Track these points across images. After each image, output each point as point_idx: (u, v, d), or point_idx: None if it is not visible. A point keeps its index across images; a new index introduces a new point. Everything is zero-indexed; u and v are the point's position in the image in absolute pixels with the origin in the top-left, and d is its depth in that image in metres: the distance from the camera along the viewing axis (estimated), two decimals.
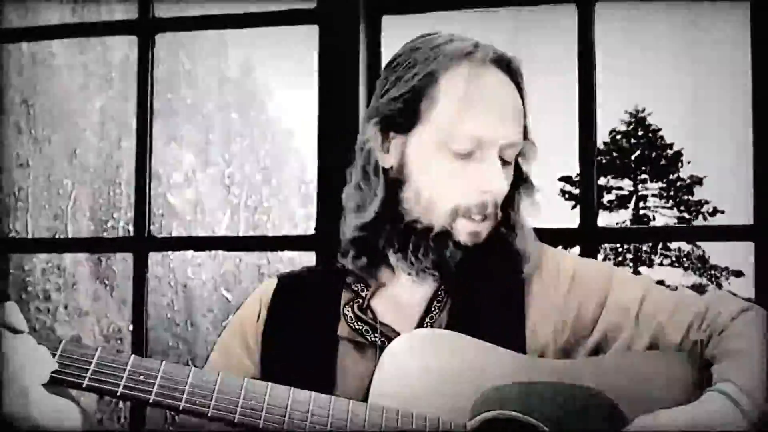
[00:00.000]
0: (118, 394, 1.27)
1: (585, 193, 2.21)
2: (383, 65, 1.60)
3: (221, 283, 4.35)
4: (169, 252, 3.99)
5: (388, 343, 1.42)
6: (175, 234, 4.06)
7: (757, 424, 1.34)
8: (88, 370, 1.27)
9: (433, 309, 1.52)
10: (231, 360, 1.56)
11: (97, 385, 1.27)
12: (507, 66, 1.51)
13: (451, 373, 1.39)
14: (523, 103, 1.53)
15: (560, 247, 1.70)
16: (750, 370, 1.38)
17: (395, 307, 1.54)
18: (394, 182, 1.50)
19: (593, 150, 2.20)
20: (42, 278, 3.26)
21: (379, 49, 2.31)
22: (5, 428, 1.21)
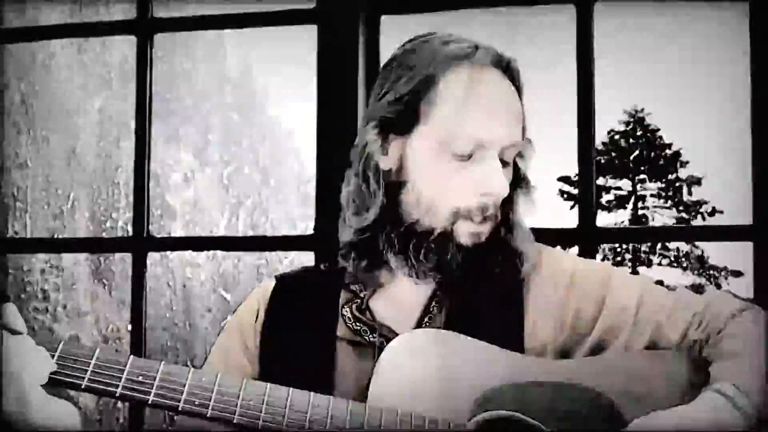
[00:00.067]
0: (117, 394, 1.27)
1: (584, 193, 2.21)
2: (381, 66, 1.60)
3: (220, 283, 4.35)
4: (168, 252, 3.99)
5: (387, 343, 1.42)
6: (173, 234, 4.06)
7: (755, 424, 1.35)
8: (86, 371, 1.27)
9: (431, 309, 1.52)
10: (229, 360, 1.56)
11: (95, 386, 1.27)
12: (506, 67, 1.51)
13: (450, 374, 1.39)
14: (521, 104, 1.54)
15: (559, 247, 1.70)
16: (748, 370, 1.38)
17: (394, 307, 1.54)
18: (394, 184, 1.50)
19: (592, 150, 2.20)
20: (41, 278, 3.26)
21: (378, 49, 2.31)
22: (4, 429, 1.21)
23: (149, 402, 1.28)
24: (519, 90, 1.54)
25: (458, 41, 1.51)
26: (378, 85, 1.56)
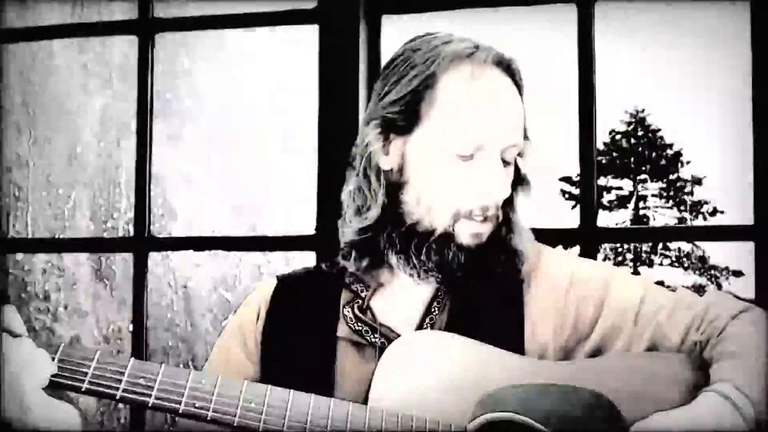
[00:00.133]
0: (118, 397, 1.27)
1: (585, 193, 2.21)
2: (383, 66, 1.60)
3: (221, 283, 4.35)
4: (169, 252, 3.98)
5: (388, 343, 1.42)
6: (174, 234, 4.06)
7: (755, 425, 1.34)
8: (87, 373, 1.27)
9: (432, 310, 1.52)
10: (230, 360, 1.56)
11: (96, 388, 1.27)
12: (507, 67, 1.51)
13: (451, 375, 1.39)
14: (522, 104, 1.53)
15: (560, 247, 1.70)
16: (748, 371, 1.38)
17: (395, 307, 1.54)
18: (395, 184, 1.50)
19: (593, 150, 2.20)
20: (42, 278, 3.26)
21: (378, 49, 2.31)
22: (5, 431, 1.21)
23: (150, 405, 1.28)
24: (520, 90, 1.54)
25: (459, 41, 1.51)
26: (379, 85, 1.56)
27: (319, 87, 2.32)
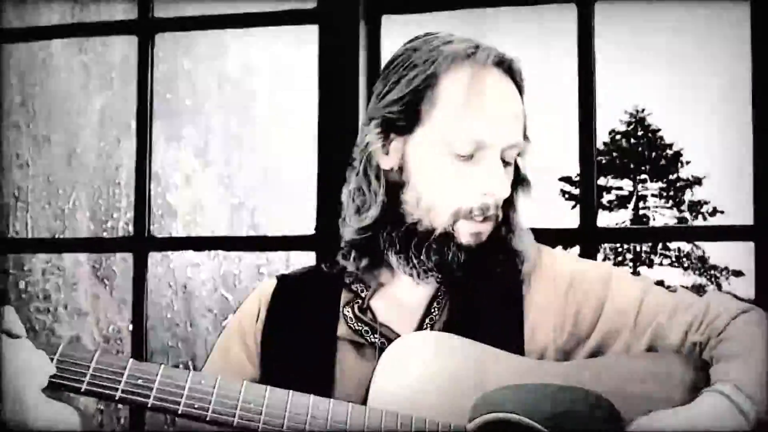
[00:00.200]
0: (117, 398, 1.27)
1: (585, 193, 2.21)
2: (383, 66, 1.60)
3: (221, 283, 4.35)
4: (169, 252, 3.98)
5: (388, 343, 1.42)
6: (174, 234, 4.06)
7: (756, 425, 1.34)
8: (86, 374, 1.27)
9: (432, 310, 1.52)
10: (230, 360, 1.56)
11: (95, 389, 1.27)
12: (507, 67, 1.51)
13: (451, 375, 1.39)
14: (523, 104, 1.53)
15: (560, 247, 1.70)
16: (749, 371, 1.38)
17: (395, 307, 1.54)
18: (395, 184, 1.50)
19: (593, 150, 2.20)
20: (42, 278, 3.26)
21: (378, 49, 2.31)
22: None
23: (149, 405, 1.28)
24: (520, 90, 1.54)
25: (460, 41, 1.51)
26: (379, 84, 1.56)
27: (319, 87, 2.32)
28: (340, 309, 1.55)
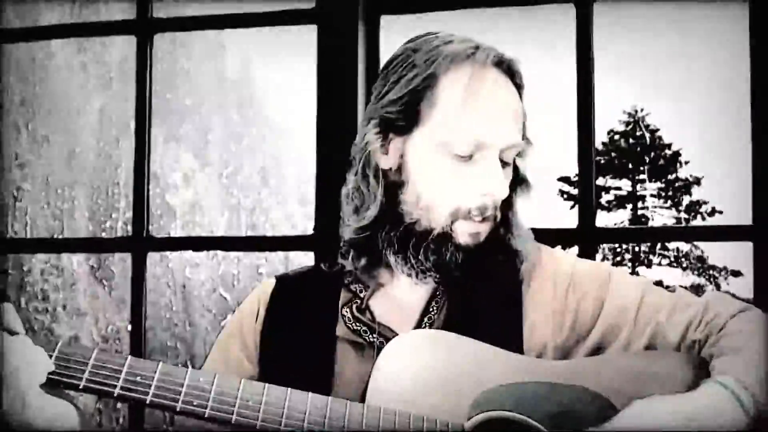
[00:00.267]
0: (115, 395, 1.27)
1: (583, 193, 2.21)
2: (382, 66, 1.60)
3: (220, 283, 4.35)
4: (168, 252, 3.99)
5: (387, 343, 1.42)
6: (173, 234, 4.06)
7: (755, 417, 1.35)
8: (84, 371, 1.27)
9: (431, 309, 1.52)
10: (229, 360, 1.57)
11: (94, 386, 1.27)
12: (507, 67, 1.51)
13: (449, 374, 1.39)
14: (522, 104, 1.54)
15: (559, 247, 1.70)
16: (748, 366, 1.38)
17: (393, 307, 1.54)
18: (394, 184, 1.50)
19: (592, 150, 2.20)
20: (41, 278, 3.26)
21: (378, 49, 2.31)
22: (3, 429, 1.21)
23: (147, 402, 1.28)
24: (520, 90, 1.54)
25: (459, 41, 1.51)
26: (379, 84, 1.56)
27: (317, 87, 2.32)
28: (339, 309, 1.55)
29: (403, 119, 1.49)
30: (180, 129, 4.04)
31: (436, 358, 1.39)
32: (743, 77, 2.15)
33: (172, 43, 3.92)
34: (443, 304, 1.52)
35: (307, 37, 2.38)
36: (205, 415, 1.29)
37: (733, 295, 1.58)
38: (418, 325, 1.51)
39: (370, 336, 1.50)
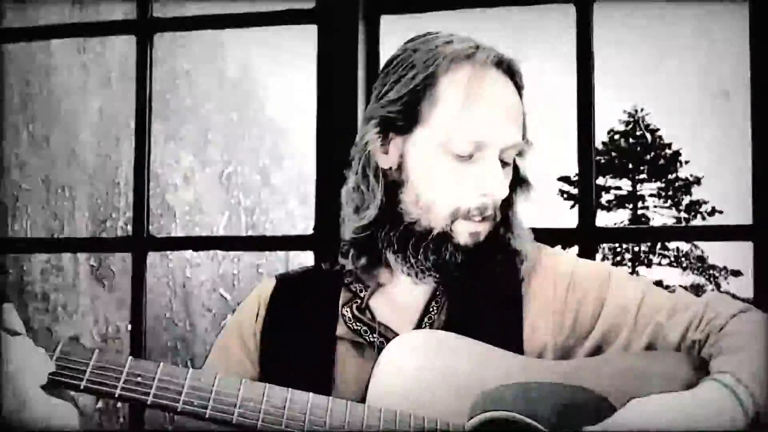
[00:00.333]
0: (116, 395, 1.27)
1: (583, 192, 2.21)
2: (382, 65, 1.60)
3: (220, 283, 4.35)
4: (168, 252, 3.98)
5: (387, 343, 1.42)
6: (173, 234, 4.06)
7: (754, 416, 1.35)
8: (85, 371, 1.27)
9: (431, 309, 1.52)
10: (230, 360, 1.57)
11: (94, 386, 1.27)
12: (507, 68, 1.51)
13: (449, 374, 1.39)
14: (522, 104, 1.54)
15: (559, 247, 1.70)
16: (748, 365, 1.38)
17: (394, 307, 1.54)
18: (393, 183, 1.50)
19: (592, 150, 2.20)
20: (41, 278, 3.26)
21: (377, 49, 2.31)
22: (4, 430, 1.21)
23: (148, 403, 1.28)
24: (520, 90, 1.54)
25: (460, 41, 1.51)
26: (379, 84, 1.56)
27: (317, 87, 2.32)
28: (339, 309, 1.55)
29: (403, 119, 1.49)
30: (180, 129, 4.04)
31: (437, 358, 1.40)
32: (744, 77, 2.15)
33: (172, 43, 3.92)
34: (443, 304, 1.52)
35: (307, 37, 2.38)
36: (206, 416, 1.29)
37: (733, 295, 1.58)
38: (419, 325, 1.51)
39: (371, 336, 1.50)
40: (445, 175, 1.47)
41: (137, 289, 2.44)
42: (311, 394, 1.33)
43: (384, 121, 1.50)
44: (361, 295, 1.55)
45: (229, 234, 4.48)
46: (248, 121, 4.66)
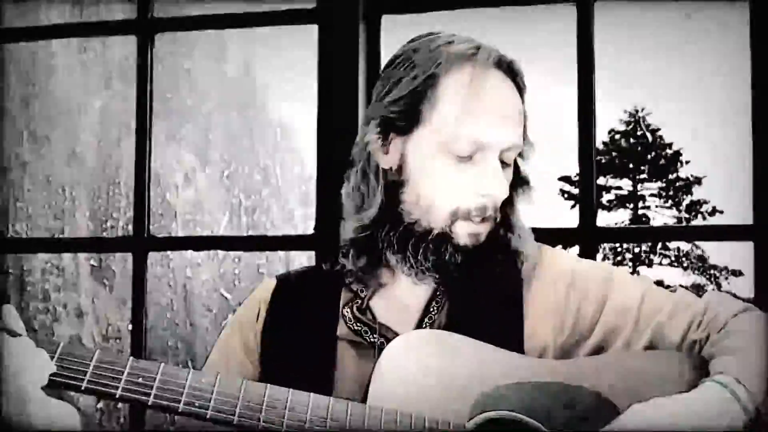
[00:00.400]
0: (117, 396, 1.27)
1: (584, 192, 2.21)
2: (383, 65, 1.60)
3: (220, 283, 4.35)
4: (169, 252, 3.99)
5: (387, 343, 1.42)
6: (174, 234, 4.06)
7: (754, 417, 1.35)
8: (86, 372, 1.27)
9: (431, 309, 1.52)
10: (230, 360, 1.57)
11: (95, 387, 1.27)
12: (508, 68, 1.51)
13: (450, 374, 1.39)
14: (523, 105, 1.54)
15: (559, 247, 1.70)
16: (748, 365, 1.38)
17: (394, 307, 1.54)
18: (394, 183, 1.50)
19: (592, 150, 2.20)
20: (41, 278, 3.26)
21: (378, 49, 2.31)
22: (4, 430, 1.21)
23: (149, 403, 1.28)
24: (521, 91, 1.54)
25: (461, 42, 1.51)
26: (380, 84, 1.56)
27: (318, 86, 2.32)
28: (340, 309, 1.55)
29: (404, 119, 1.49)
30: (181, 129, 4.05)
31: (437, 358, 1.39)
32: (744, 77, 2.15)
33: (173, 42, 3.92)
34: (444, 304, 1.52)
35: (307, 36, 2.38)
36: (207, 417, 1.29)
37: (734, 295, 1.58)
38: (419, 325, 1.51)
39: (371, 336, 1.50)
40: (445, 175, 1.47)
41: (138, 289, 2.44)
42: (312, 394, 1.33)
43: (385, 121, 1.50)
44: (362, 295, 1.55)
45: (229, 234, 4.48)
46: (249, 120, 4.67)
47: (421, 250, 1.47)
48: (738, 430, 1.34)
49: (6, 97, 3.14)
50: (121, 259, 3.63)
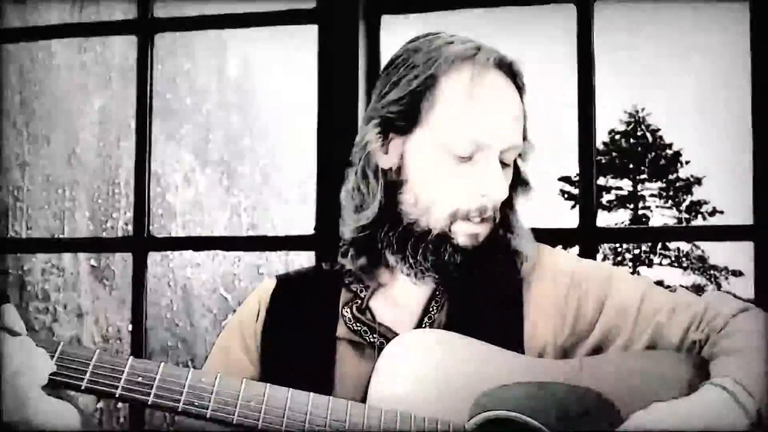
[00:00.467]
0: (117, 395, 1.27)
1: (584, 192, 2.21)
2: (383, 65, 1.60)
3: (220, 283, 4.35)
4: (169, 252, 3.99)
5: (387, 343, 1.42)
6: (174, 234, 4.06)
7: (755, 419, 1.35)
8: (86, 372, 1.27)
9: (431, 309, 1.52)
10: (230, 360, 1.56)
11: (95, 387, 1.27)
12: (508, 69, 1.51)
13: (450, 374, 1.39)
14: (523, 105, 1.53)
15: (559, 247, 1.70)
16: (748, 366, 1.38)
17: (394, 307, 1.54)
18: (393, 184, 1.50)
19: (592, 150, 2.20)
20: (41, 278, 3.26)
21: (378, 49, 2.31)
22: (4, 430, 1.21)
23: (149, 403, 1.28)
24: (521, 91, 1.54)
25: (461, 42, 1.51)
26: (380, 84, 1.56)
27: (318, 86, 2.32)
28: (340, 309, 1.55)
29: (404, 119, 1.49)
30: (181, 129, 4.05)
31: (437, 358, 1.40)
32: (744, 77, 2.15)
33: (173, 43, 3.92)
34: (443, 304, 1.52)
35: (307, 36, 2.38)
36: (207, 416, 1.29)
37: (734, 295, 1.58)
38: (419, 325, 1.51)
39: (371, 336, 1.50)
40: (444, 175, 1.47)
41: (138, 289, 2.44)
42: (312, 394, 1.33)
43: (384, 121, 1.50)
44: (362, 295, 1.55)
45: (229, 234, 4.48)
46: (249, 120, 4.67)
47: (420, 251, 1.47)
48: None
49: (6, 97, 3.14)
50: (121, 259, 3.63)
